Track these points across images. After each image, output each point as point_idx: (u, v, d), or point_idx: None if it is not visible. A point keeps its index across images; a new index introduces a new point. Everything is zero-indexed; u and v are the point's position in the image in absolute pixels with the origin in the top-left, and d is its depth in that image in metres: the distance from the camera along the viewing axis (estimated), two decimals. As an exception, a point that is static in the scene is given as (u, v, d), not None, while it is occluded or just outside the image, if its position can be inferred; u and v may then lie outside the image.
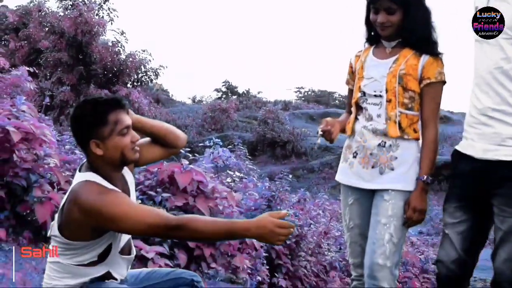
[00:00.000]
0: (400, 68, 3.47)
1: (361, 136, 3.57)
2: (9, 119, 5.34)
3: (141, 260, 5.62)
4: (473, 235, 3.28)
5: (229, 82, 67.93)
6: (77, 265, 2.92)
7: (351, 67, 3.78)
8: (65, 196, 2.94)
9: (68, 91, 24.71)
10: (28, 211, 5.46)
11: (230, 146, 11.21)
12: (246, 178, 9.54)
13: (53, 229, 2.94)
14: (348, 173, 3.63)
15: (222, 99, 58.37)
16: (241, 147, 11.86)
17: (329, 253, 9.85)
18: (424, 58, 3.48)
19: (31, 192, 5.37)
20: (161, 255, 5.84)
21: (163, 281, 3.16)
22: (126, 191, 3.09)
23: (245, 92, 66.94)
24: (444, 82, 3.50)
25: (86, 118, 2.87)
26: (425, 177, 3.45)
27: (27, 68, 7.19)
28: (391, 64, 3.51)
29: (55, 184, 5.72)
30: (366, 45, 3.73)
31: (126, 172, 3.15)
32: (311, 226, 9.62)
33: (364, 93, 3.59)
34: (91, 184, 2.87)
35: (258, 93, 67.41)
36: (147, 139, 3.28)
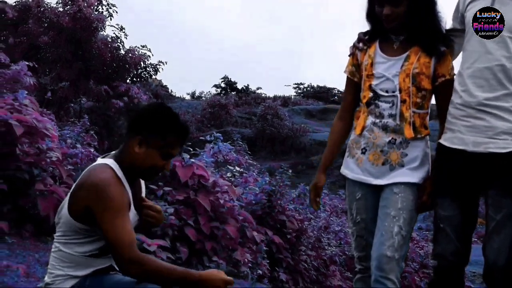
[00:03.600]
0: (414, 67, 3.40)
1: (370, 132, 3.49)
2: (11, 112, 5.34)
3: (143, 252, 5.62)
4: (465, 225, 3.32)
5: (228, 78, 68.00)
6: (79, 255, 2.95)
7: (356, 59, 3.65)
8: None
9: (68, 87, 24.66)
10: (30, 205, 5.47)
11: (229, 142, 11.22)
12: (246, 173, 9.55)
13: (63, 209, 2.98)
14: (356, 168, 3.54)
15: (221, 95, 58.38)
16: (241, 142, 11.86)
17: (329, 248, 9.86)
18: (436, 55, 3.41)
19: (34, 186, 5.38)
20: (163, 248, 5.86)
21: None
22: (138, 194, 3.14)
23: (244, 88, 66.97)
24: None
25: (157, 119, 2.95)
26: None
27: (27, 63, 7.19)
28: (403, 62, 3.43)
29: (57, 178, 5.73)
30: (360, 43, 3.62)
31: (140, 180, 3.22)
32: (311, 221, 9.64)
33: (375, 92, 3.49)
34: (109, 168, 2.93)
35: (257, 89, 67.39)
36: None
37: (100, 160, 3.03)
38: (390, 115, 3.43)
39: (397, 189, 3.38)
